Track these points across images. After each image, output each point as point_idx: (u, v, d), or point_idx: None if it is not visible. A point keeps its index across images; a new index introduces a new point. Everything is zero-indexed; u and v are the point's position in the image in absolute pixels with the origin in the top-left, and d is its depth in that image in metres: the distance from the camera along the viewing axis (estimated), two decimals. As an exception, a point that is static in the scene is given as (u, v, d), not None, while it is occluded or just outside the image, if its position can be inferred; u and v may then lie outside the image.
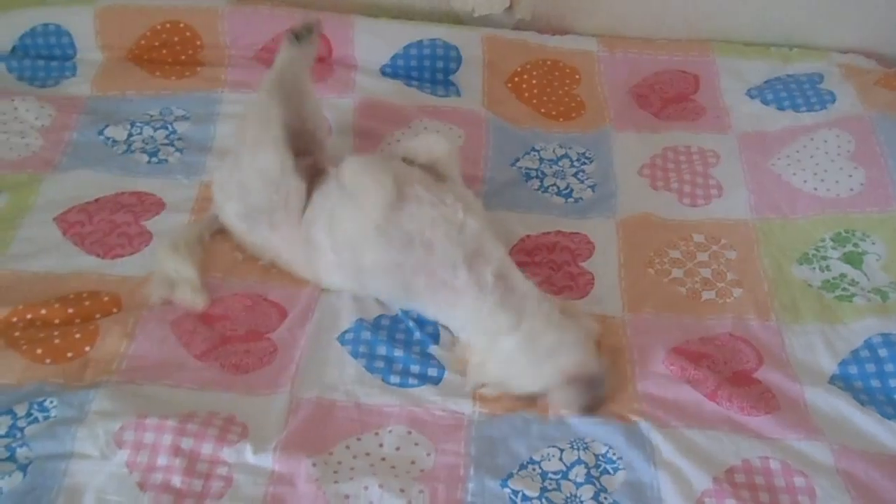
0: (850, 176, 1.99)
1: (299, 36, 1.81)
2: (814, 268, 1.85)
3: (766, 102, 2.23)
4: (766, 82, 2.29)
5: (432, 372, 1.62)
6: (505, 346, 1.56)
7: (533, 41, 2.37)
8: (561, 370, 1.55)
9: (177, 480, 1.41)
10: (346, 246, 1.67)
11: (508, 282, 1.61)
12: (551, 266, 1.84)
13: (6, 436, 1.45)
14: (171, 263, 1.73)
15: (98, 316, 1.67)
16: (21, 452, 1.43)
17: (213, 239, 1.83)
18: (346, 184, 1.66)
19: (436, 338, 1.68)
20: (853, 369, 1.66)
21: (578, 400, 1.54)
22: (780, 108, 2.20)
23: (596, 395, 1.55)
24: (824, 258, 1.86)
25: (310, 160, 1.81)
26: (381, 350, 1.65)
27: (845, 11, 2.35)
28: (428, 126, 2.11)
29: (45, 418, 1.48)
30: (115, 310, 1.69)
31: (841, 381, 1.64)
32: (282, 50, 1.83)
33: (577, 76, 2.33)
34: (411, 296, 1.67)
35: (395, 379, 1.61)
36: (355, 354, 1.64)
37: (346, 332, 1.69)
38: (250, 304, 1.73)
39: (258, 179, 1.71)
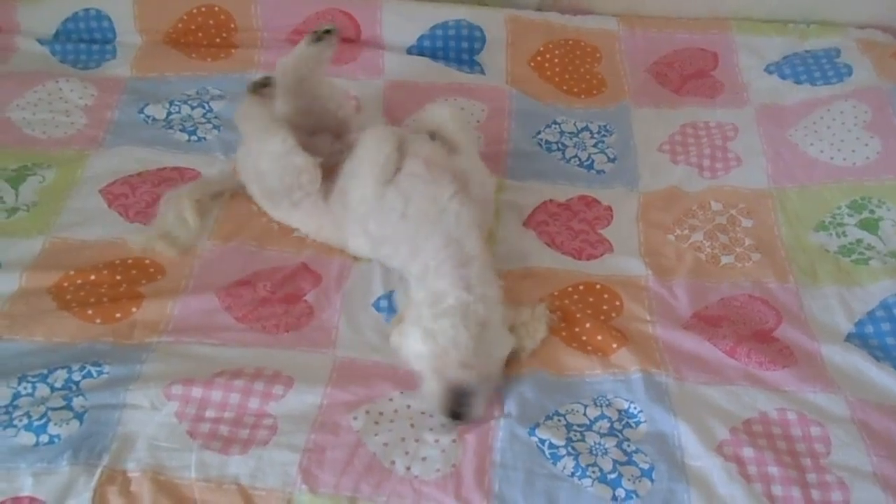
0: (866, 145, 2.04)
1: (319, 37, 1.89)
2: (830, 234, 1.90)
3: (783, 77, 2.28)
4: (784, 58, 2.34)
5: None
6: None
7: (555, 21, 2.43)
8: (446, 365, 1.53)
9: (224, 430, 1.49)
10: (358, 213, 1.74)
11: (469, 271, 1.63)
12: (569, 232, 1.91)
13: (63, 388, 1.54)
14: (170, 215, 1.84)
15: (144, 281, 1.76)
16: (77, 402, 1.51)
17: (233, 199, 1.93)
18: (356, 151, 1.75)
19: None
20: (869, 328, 1.71)
21: (443, 403, 1.52)
22: (798, 82, 2.25)
23: (462, 408, 1.52)
24: (840, 225, 1.92)
25: (340, 139, 1.91)
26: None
27: (862, -13, 2.39)
28: (454, 101, 2.19)
29: (99, 374, 1.57)
30: (159, 276, 1.78)
31: (857, 340, 1.70)
32: (300, 46, 1.90)
33: (598, 55, 2.39)
34: (404, 263, 1.71)
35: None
36: (389, 320, 1.70)
37: (380, 298, 1.76)
38: (288, 272, 1.80)
39: (268, 162, 1.80)
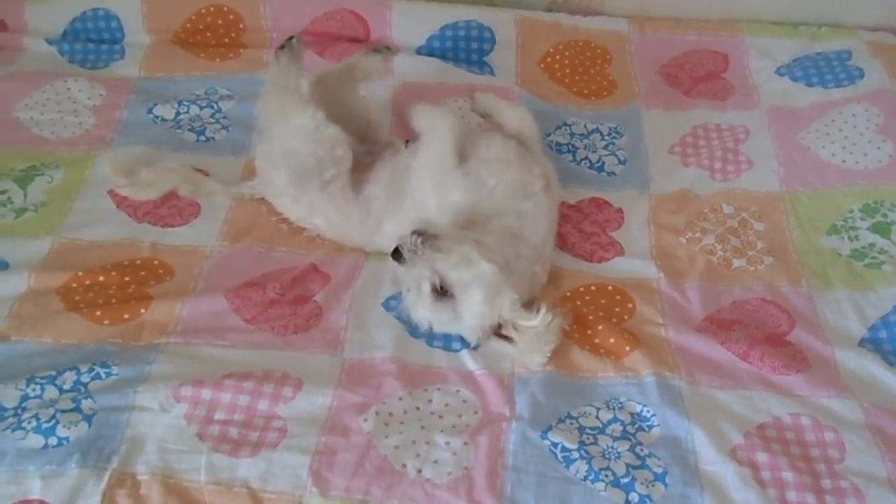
0: (879, 148, 2.03)
1: (378, 50, 2.04)
2: (842, 238, 1.89)
3: (794, 79, 2.27)
4: (794, 60, 2.32)
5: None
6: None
7: (565, 22, 2.42)
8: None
9: (234, 432, 1.49)
10: (432, 191, 1.73)
11: (513, 243, 1.67)
12: (580, 235, 1.90)
13: (71, 390, 1.53)
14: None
15: (152, 283, 1.75)
16: (86, 404, 1.50)
17: (242, 201, 1.94)
18: (416, 125, 1.75)
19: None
20: (883, 333, 1.70)
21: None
22: (809, 85, 2.24)
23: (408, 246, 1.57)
24: (853, 228, 1.90)
25: (367, 143, 1.93)
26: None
27: (873, -10, 2.38)
28: (464, 102, 2.18)
29: (108, 375, 1.56)
30: (167, 277, 1.77)
31: (871, 344, 1.68)
32: (353, 56, 2.04)
33: (609, 56, 2.38)
34: None
35: (437, 342, 1.67)
36: (400, 319, 1.70)
37: (389, 298, 1.75)
38: (297, 273, 1.79)
39: (298, 139, 1.79)
